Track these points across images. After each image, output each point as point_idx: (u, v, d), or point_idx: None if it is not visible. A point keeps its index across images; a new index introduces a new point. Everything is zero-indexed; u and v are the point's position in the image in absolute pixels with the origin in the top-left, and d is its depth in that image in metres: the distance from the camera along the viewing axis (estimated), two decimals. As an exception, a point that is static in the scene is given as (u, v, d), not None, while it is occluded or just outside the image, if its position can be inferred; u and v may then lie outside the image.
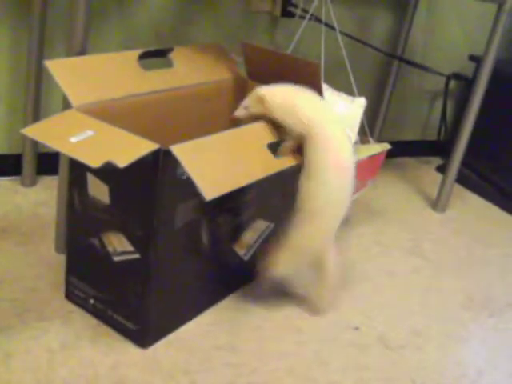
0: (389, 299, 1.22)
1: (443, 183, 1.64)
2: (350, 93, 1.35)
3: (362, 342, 1.08)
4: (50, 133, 0.86)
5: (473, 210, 1.73)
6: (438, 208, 1.66)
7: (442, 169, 1.86)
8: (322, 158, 1.00)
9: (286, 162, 1.00)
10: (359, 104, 1.31)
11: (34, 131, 0.87)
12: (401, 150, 1.73)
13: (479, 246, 1.51)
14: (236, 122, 1.07)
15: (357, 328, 1.11)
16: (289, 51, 1.38)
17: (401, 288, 1.27)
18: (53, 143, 0.83)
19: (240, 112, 1.05)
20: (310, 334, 1.08)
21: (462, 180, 1.76)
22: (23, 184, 1.39)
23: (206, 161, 0.87)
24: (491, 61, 1.50)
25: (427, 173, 1.93)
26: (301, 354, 1.03)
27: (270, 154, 0.97)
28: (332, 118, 1.04)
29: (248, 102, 1.04)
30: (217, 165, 0.88)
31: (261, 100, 1.02)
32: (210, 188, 0.83)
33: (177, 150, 0.82)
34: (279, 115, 1.00)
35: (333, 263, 1.08)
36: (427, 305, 1.23)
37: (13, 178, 1.40)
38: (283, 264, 1.05)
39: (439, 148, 2.03)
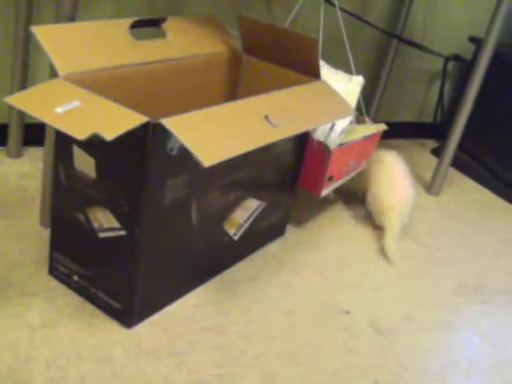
0: (381, 283, 1.20)
1: (438, 166, 1.61)
2: (348, 71, 1.31)
3: (352, 326, 1.06)
4: (34, 102, 0.82)
5: (467, 194, 1.70)
6: (432, 191, 1.63)
7: (437, 152, 1.83)
8: None
9: (285, 132, 0.95)
10: (357, 82, 1.27)
11: (18, 100, 0.83)
12: (396, 131, 1.70)
13: (473, 231, 1.49)
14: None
15: (347, 312, 1.09)
16: (286, 26, 1.34)
17: (393, 272, 1.25)
18: (37, 113, 0.79)
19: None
20: (300, 317, 1.05)
21: (457, 164, 1.73)
22: (8, 155, 1.35)
23: (201, 132, 0.82)
24: (492, 43, 1.47)
25: (422, 155, 1.90)
26: (290, 337, 1.01)
27: (267, 124, 0.91)
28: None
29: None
30: (212, 135, 0.84)
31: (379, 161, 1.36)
32: (208, 155, 0.78)
33: (168, 123, 0.78)
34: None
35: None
36: (419, 290, 1.21)
37: (-2, 148, 1.36)
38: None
39: (435, 130, 2.00)
